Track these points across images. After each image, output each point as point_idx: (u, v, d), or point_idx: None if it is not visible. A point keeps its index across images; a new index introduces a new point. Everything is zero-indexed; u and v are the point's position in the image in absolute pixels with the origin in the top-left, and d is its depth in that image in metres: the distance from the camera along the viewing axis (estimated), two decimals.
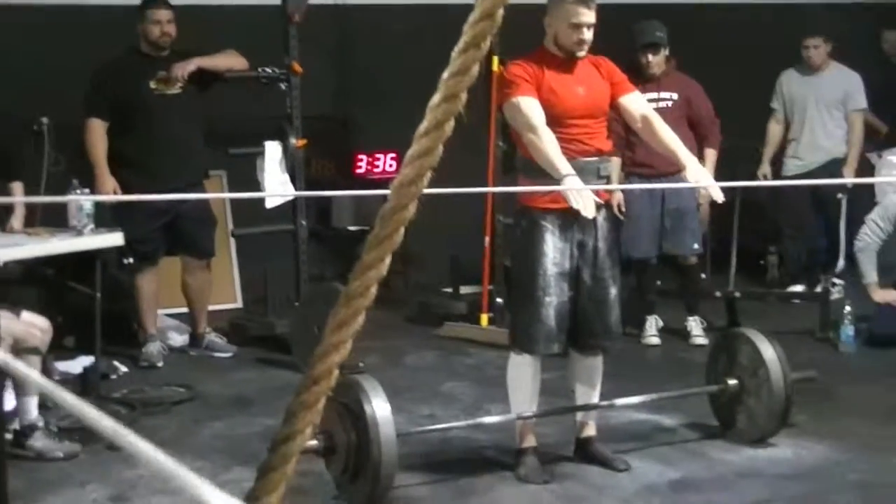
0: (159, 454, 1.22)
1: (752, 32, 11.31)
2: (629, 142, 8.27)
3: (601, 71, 5.70)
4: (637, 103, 5.77)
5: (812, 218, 9.86)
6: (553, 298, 5.52)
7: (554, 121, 5.46)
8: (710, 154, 8.38)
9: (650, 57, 8.29)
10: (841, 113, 9.59)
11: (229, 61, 8.15)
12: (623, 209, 8.35)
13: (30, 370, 1.48)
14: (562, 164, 5.28)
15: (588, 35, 5.56)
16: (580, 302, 5.64)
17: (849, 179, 9.30)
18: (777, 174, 9.68)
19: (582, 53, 5.60)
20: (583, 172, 5.42)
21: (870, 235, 8.53)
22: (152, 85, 7.98)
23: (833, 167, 9.45)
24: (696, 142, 8.25)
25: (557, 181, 5.26)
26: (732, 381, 6.18)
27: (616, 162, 8.36)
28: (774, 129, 9.79)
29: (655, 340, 8.52)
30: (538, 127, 5.39)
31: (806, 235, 9.91)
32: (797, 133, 9.66)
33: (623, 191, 8.26)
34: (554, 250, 5.52)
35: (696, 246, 8.47)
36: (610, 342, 5.82)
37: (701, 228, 8.62)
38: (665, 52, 8.35)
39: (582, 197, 5.18)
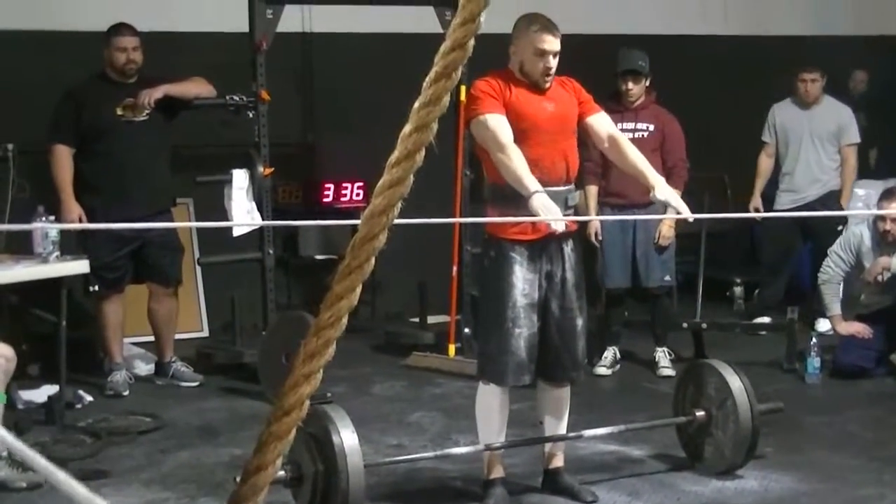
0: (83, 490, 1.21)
1: (724, 65, 11.39)
2: (604, 171, 8.30)
3: (567, 89, 5.69)
4: (603, 123, 5.74)
5: (797, 250, 9.84)
6: (523, 329, 5.49)
7: (522, 136, 5.41)
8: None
9: (630, 84, 8.29)
10: (834, 147, 9.62)
11: (197, 88, 8.13)
12: (599, 237, 8.38)
13: None
14: (530, 181, 5.22)
15: (553, 63, 5.53)
16: (548, 333, 5.61)
17: (830, 213, 9.34)
18: (768, 208, 9.65)
19: (548, 83, 5.57)
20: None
21: (832, 268, 8.56)
22: (119, 111, 7.95)
23: (828, 200, 9.47)
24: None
25: (527, 210, 5.21)
26: (700, 413, 6.17)
27: (592, 191, 8.39)
28: (766, 163, 9.79)
29: (605, 371, 8.49)
30: (506, 145, 5.34)
31: (789, 267, 9.89)
32: (791, 167, 9.67)
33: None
34: (523, 281, 5.49)
35: (667, 278, 8.46)
36: (577, 373, 5.81)
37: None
38: (646, 81, 8.35)
39: (550, 212, 5.12)
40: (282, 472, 5.22)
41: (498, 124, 5.39)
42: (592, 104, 5.76)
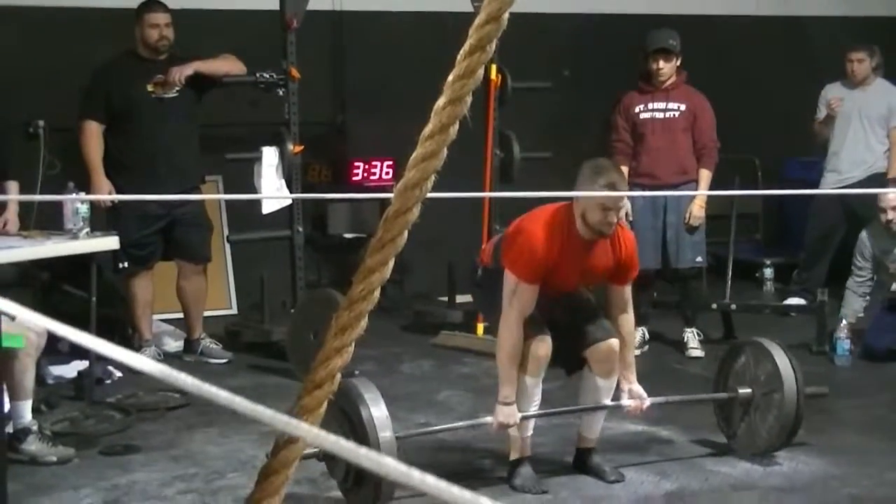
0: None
1: (754, 46, 11.34)
2: (635, 151, 8.28)
3: (617, 250, 5.66)
4: (622, 294, 5.77)
5: (840, 233, 9.69)
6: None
7: (548, 275, 5.50)
8: (704, 175, 8.29)
9: (661, 63, 8.25)
10: (883, 129, 9.47)
11: (227, 66, 8.13)
12: (630, 218, 8.31)
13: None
14: (507, 389, 5.49)
15: (616, 217, 5.52)
16: (564, 314, 5.71)
17: (864, 190, 9.25)
18: (815, 186, 9.54)
19: (610, 232, 5.53)
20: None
21: (856, 283, 8.60)
22: (149, 88, 7.97)
23: (873, 182, 9.32)
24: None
25: None
26: (744, 391, 6.12)
27: (622, 171, 8.38)
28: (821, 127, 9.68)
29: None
30: (512, 328, 5.45)
31: (831, 248, 9.76)
32: (838, 146, 9.53)
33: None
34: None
35: (699, 259, 8.42)
36: (605, 332, 5.74)
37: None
38: (677, 61, 8.31)
39: (506, 423, 5.50)
40: (314, 448, 5.24)
41: (522, 295, 5.46)
42: (629, 276, 5.78)
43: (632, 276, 5.81)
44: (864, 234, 8.62)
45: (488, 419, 5.66)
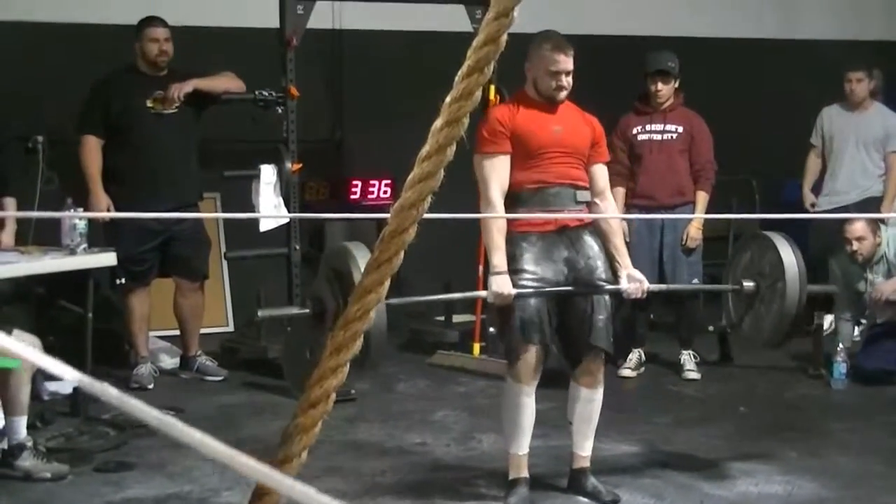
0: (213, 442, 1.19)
1: (754, 68, 11.35)
2: (632, 172, 8.29)
3: (587, 123, 5.81)
4: (600, 174, 5.83)
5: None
6: (529, 300, 5.51)
7: (530, 154, 5.57)
8: (701, 197, 8.32)
9: (659, 84, 8.28)
10: (880, 153, 9.45)
11: (226, 83, 8.15)
12: (627, 239, 8.31)
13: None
14: (498, 258, 5.46)
15: (565, 81, 5.64)
16: (574, 310, 5.62)
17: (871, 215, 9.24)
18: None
19: (562, 96, 5.67)
20: (559, 197, 5.61)
21: (838, 309, 8.63)
22: (149, 104, 7.97)
23: (867, 206, 9.32)
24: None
25: (537, 207, 5.53)
26: (748, 284, 6.08)
27: (620, 192, 8.37)
28: (813, 162, 9.59)
29: (629, 374, 8.46)
30: (493, 202, 5.51)
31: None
32: (835, 170, 9.52)
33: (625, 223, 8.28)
34: (532, 263, 5.55)
35: (695, 281, 8.43)
36: (605, 343, 5.67)
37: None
38: (675, 83, 8.34)
39: (499, 294, 5.39)
40: (307, 310, 5.33)
41: (493, 169, 5.56)
42: (602, 152, 5.87)
43: (605, 155, 5.88)
44: (832, 263, 8.64)
45: (483, 293, 5.66)
